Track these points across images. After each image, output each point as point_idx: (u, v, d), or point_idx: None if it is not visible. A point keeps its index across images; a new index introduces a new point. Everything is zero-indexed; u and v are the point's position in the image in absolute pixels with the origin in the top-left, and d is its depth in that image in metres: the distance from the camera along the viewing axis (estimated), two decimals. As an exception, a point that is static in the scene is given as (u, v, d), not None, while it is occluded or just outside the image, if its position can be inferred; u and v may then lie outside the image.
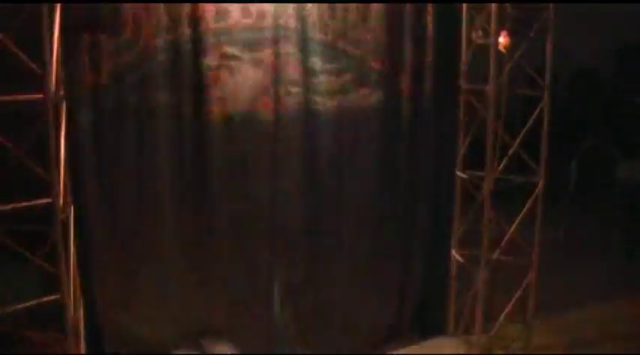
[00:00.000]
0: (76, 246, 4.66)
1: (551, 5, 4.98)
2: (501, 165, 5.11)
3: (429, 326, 5.76)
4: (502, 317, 5.33)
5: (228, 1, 4.85)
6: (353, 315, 5.52)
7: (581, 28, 8.92)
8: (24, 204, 4.11)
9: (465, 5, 5.22)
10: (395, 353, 5.51)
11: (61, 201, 4.20)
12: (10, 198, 4.05)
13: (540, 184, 5.28)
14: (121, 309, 5.04)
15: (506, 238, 5.21)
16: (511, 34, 5.05)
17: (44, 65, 3.92)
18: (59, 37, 4.31)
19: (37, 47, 3.95)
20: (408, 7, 5.27)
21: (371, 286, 5.57)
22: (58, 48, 4.30)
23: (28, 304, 4.19)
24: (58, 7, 4.31)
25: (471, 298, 5.41)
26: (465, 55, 5.33)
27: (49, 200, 4.10)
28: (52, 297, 4.19)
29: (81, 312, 4.76)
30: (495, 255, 5.19)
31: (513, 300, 5.35)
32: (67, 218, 4.49)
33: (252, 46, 4.99)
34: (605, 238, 7.92)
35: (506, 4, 4.96)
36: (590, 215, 8.41)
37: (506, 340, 5.41)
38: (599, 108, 10.51)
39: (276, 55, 5.04)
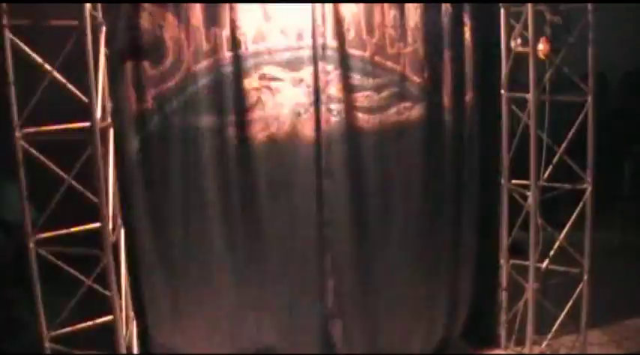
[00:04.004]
0: (128, 268, 4.81)
1: (589, 6, 4.89)
2: (546, 173, 5.03)
3: (480, 339, 5.69)
4: (555, 327, 5.23)
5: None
6: (403, 328, 5.52)
7: (630, 29, 8.75)
8: (75, 228, 4.27)
9: (503, 14, 5.18)
10: (446, 366, 5.47)
11: (111, 225, 4.33)
12: (64, 222, 4.24)
13: (588, 191, 5.18)
14: (172, 330, 5.13)
15: (555, 246, 5.13)
16: (551, 41, 4.99)
17: (89, 93, 4.06)
18: (105, 65, 4.47)
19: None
20: (446, 20, 5.28)
21: (420, 299, 5.56)
22: (104, 76, 4.46)
23: (82, 325, 4.35)
24: (103, 36, 4.48)
25: (521, 309, 5.32)
26: (505, 64, 5.28)
27: (98, 224, 4.25)
28: (105, 319, 4.33)
29: (134, 333, 4.88)
30: (545, 264, 5.11)
31: (566, 310, 5.25)
32: (117, 241, 4.62)
33: (291, 65, 5.06)
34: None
35: (545, 11, 4.90)
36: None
37: (559, 351, 5.29)
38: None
39: (316, 74, 5.09)
